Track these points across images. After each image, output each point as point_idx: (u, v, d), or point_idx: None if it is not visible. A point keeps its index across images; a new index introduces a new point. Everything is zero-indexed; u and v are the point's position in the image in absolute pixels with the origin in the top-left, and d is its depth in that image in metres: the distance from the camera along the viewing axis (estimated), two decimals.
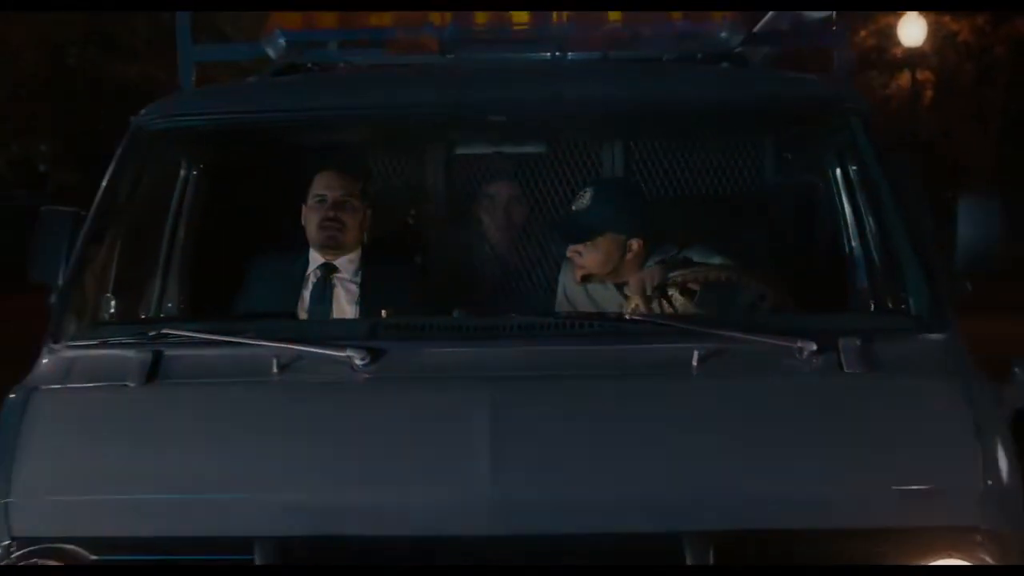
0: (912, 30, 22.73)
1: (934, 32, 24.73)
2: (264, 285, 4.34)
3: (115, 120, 18.27)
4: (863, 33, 26.43)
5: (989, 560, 3.16)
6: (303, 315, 4.31)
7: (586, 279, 4.16)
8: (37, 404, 3.45)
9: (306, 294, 4.35)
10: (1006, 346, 13.78)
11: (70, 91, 19.73)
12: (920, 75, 24.71)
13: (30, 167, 20.88)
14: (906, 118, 25.77)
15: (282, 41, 4.51)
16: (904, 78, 25.79)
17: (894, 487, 3.20)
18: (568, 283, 4.28)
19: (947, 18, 25.48)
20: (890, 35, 25.01)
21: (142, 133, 4.04)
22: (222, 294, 4.34)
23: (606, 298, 4.13)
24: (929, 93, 26.40)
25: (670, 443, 3.23)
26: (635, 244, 4.09)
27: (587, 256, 4.10)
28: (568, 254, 4.18)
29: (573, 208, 4.18)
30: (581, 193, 4.18)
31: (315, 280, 4.37)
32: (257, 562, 3.12)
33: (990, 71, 27.09)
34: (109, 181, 3.96)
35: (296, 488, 3.22)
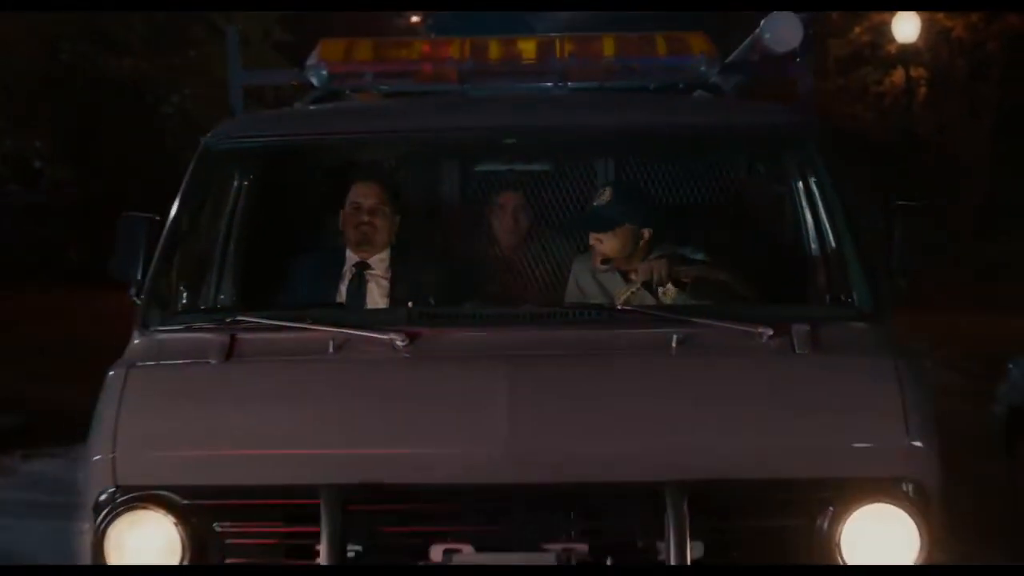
0: (906, 26, 22.82)
1: (928, 28, 24.78)
2: (307, 280, 5.13)
3: (110, 115, 18.30)
4: (857, 30, 26.49)
5: (912, 504, 3.96)
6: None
7: (604, 262, 4.96)
8: (135, 377, 4.24)
9: (343, 287, 5.11)
10: (1007, 345, 13.75)
11: (64, 87, 19.71)
12: (914, 71, 24.77)
13: (25, 163, 20.86)
14: (900, 114, 25.82)
15: (324, 71, 5.37)
16: (898, 74, 25.84)
17: (835, 445, 4.01)
18: (580, 272, 5.09)
19: (941, 14, 25.52)
20: (884, 31, 25.07)
21: (209, 152, 4.87)
22: (268, 288, 5.08)
23: (612, 284, 4.94)
24: (923, 89, 26.43)
25: (652, 410, 4.04)
26: (646, 233, 4.96)
27: (607, 243, 4.93)
28: (591, 241, 4.98)
29: (594, 203, 5.04)
30: (601, 191, 5.05)
31: (351, 275, 5.16)
32: (322, 506, 3.80)
33: (984, 67, 27.14)
34: (183, 192, 4.73)
35: (351, 444, 3.99)
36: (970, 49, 26.32)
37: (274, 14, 22.31)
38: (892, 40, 24.11)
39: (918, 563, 3.93)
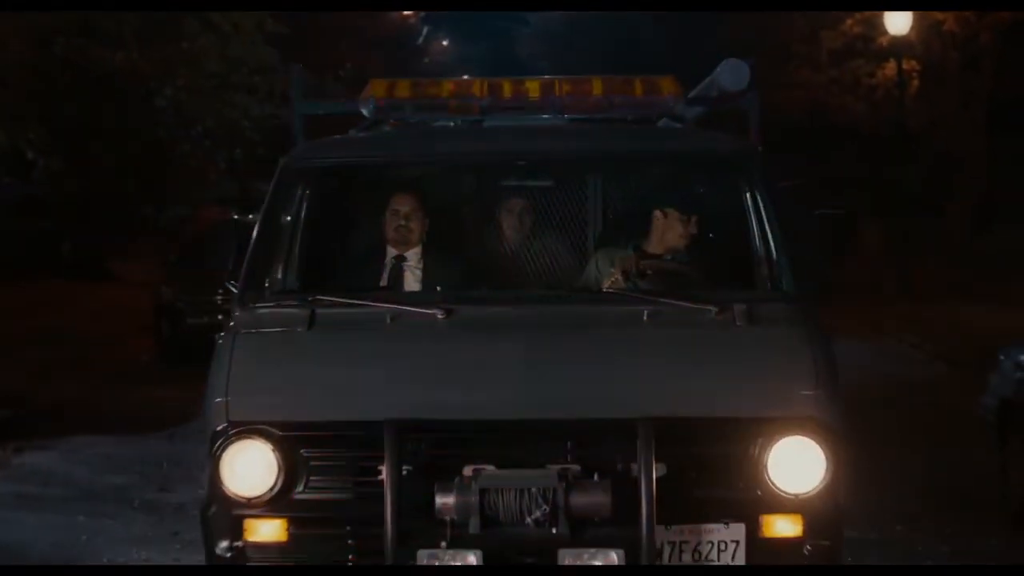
0: (897, 19, 22.85)
1: (920, 21, 24.79)
2: (357, 269, 6.60)
3: (103, 108, 18.09)
4: (849, 22, 26.47)
5: (819, 436, 5.18)
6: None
7: (603, 260, 6.45)
8: (240, 341, 5.54)
9: (384, 275, 6.49)
10: (1001, 337, 13.78)
11: (57, 79, 19.67)
12: (906, 64, 24.77)
13: (19, 156, 20.81)
14: (892, 107, 25.83)
15: (372, 105, 6.71)
16: (890, 67, 25.84)
17: (762, 392, 5.31)
18: (591, 266, 6.53)
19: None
20: (876, 24, 25.07)
21: (287, 170, 6.28)
22: (327, 275, 6.36)
23: (606, 273, 6.38)
24: (915, 82, 26.42)
25: (627, 365, 5.36)
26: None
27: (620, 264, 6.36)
28: (617, 265, 6.36)
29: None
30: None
31: (391, 266, 6.52)
32: (385, 436, 5.05)
33: (976, 59, 27.16)
34: (268, 199, 6.12)
35: (406, 390, 5.29)
36: (962, 42, 26.35)
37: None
38: (884, 32, 24.13)
39: (823, 483, 5.19)
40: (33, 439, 12.50)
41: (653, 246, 6.43)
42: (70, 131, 21.19)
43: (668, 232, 6.41)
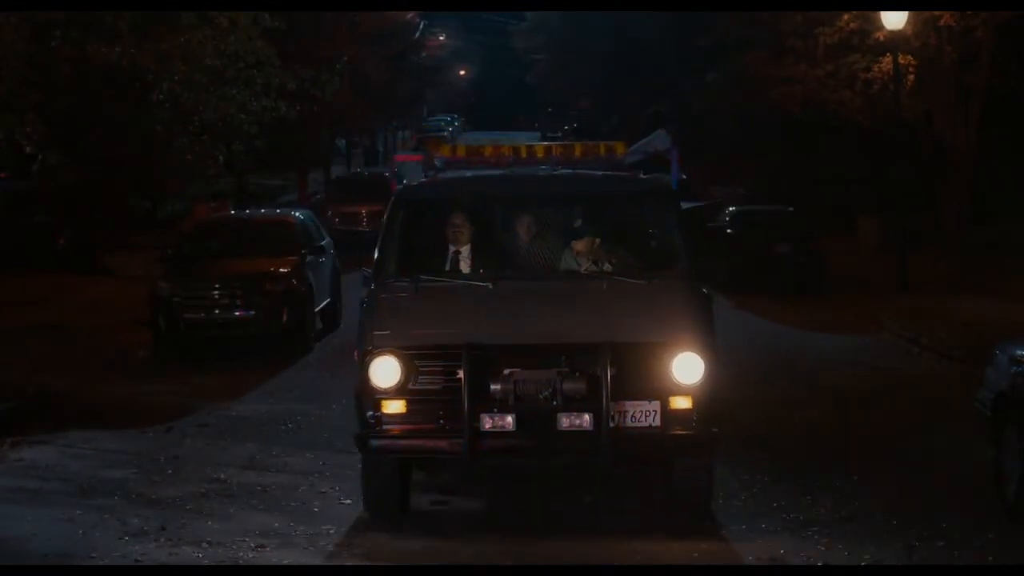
0: (893, 14, 22.78)
1: (916, 16, 24.76)
2: (432, 258, 10.04)
3: (100, 101, 18.03)
4: (846, 17, 26.44)
5: (697, 351, 8.76)
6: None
7: (579, 253, 10.01)
8: (380, 296, 9.43)
9: (447, 262, 10.09)
10: (997, 330, 13.69)
11: (54, 72, 19.62)
12: (902, 59, 24.74)
13: (16, 149, 20.77)
14: (888, 101, 25.81)
15: (441, 161, 11.17)
16: (886, 61, 25.82)
17: (667, 326, 8.94)
18: (567, 255, 10.10)
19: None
20: (872, 19, 25.04)
21: (400, 199, 10.26)
22: (417, 263, 9.82)
23: (578, 262, 10.01)
24: (911, 77, 26.40)
25: (594, 312, 9.08)
26: (596, 241, 10.02)
27: (581, 244, 10.06)
28: (577, 245, 10.01)
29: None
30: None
31: (451, 257, 10.12)
32: (463, 354, 8.68)
33: (972, 54, 27.14)
34: (387, 217, 10.03)
35: (471, 327, 8.94)
36: (958, 36, 26.33)
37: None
38: (880, 27, 24.09)
39: (702, 378, 8.81)
40: (30, 433, 12.51)
41: (599, 245, 10.07)
42: (67, 124, 21.17)
43: (608, 235, 10.12)
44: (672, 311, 9.05)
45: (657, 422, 8.79)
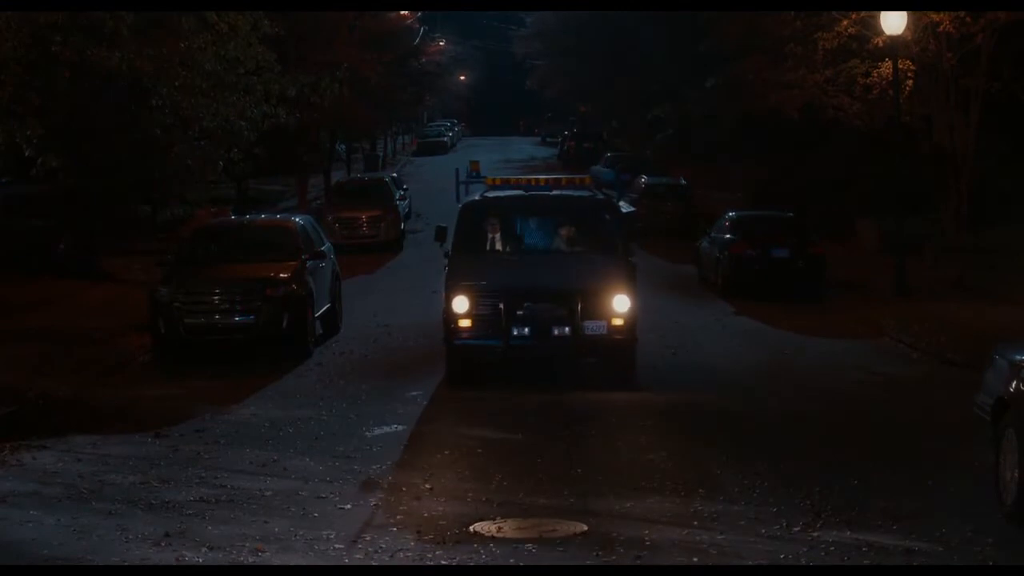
0: (893, 19, 22.82)
1: (915, 21, 24.79)
2: (481, 242, 17.13)
3: (100, 106, 17.99)
4: (844, 23, 26.48)
5: (625, 293, 15.85)
6: None
7: (563, 239, 17.22)
8: (456, 260, 16.57)
9: (487, 243, 17.23)
10: (996, 334, 13.63)
11: (54, 76, 19.65)
12: (901, 63, 24.77)
13: (17, 152, 20.78)
14: (888, 106, 25.82)
15: (486, 184, 18.97)
16: (886, 66, 25.85)
17: (610, 281, 15.97)
18: (557, 240, 17.26)
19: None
20: (872, 24, 25.07)
21: (467, 207, 17.63)
22: (472, 244, 16.96)
23: (563, 245, 17.24)
24: (910, 81, 26.44)
25: (571, 272, 16.25)
26: (572, 229, 17.24)
27: (565, 230, 17.25)
28: (563, 231, 17.20)
29: (559, 224, 17.58)
30: (565, 223, 17.31)
31: (490, 241, 17.19)
32: (501, 295, 15.85)
33: (971, 59, 27.16)
34: (458, 217, 17.26)
35: (507, 279, 16.15)
36: (957, 41, 26.36)
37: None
38: (880, 32, 24.13)
39: (629, 309, 15.74)
40: (31, 437, 12.51)
41: (573, 234, 16.96)
42: (67, 129, 21.20)
43: (579, 229, 17.01)
44: (613, 272, 16.00)
45: (604, 331, 15.64)
